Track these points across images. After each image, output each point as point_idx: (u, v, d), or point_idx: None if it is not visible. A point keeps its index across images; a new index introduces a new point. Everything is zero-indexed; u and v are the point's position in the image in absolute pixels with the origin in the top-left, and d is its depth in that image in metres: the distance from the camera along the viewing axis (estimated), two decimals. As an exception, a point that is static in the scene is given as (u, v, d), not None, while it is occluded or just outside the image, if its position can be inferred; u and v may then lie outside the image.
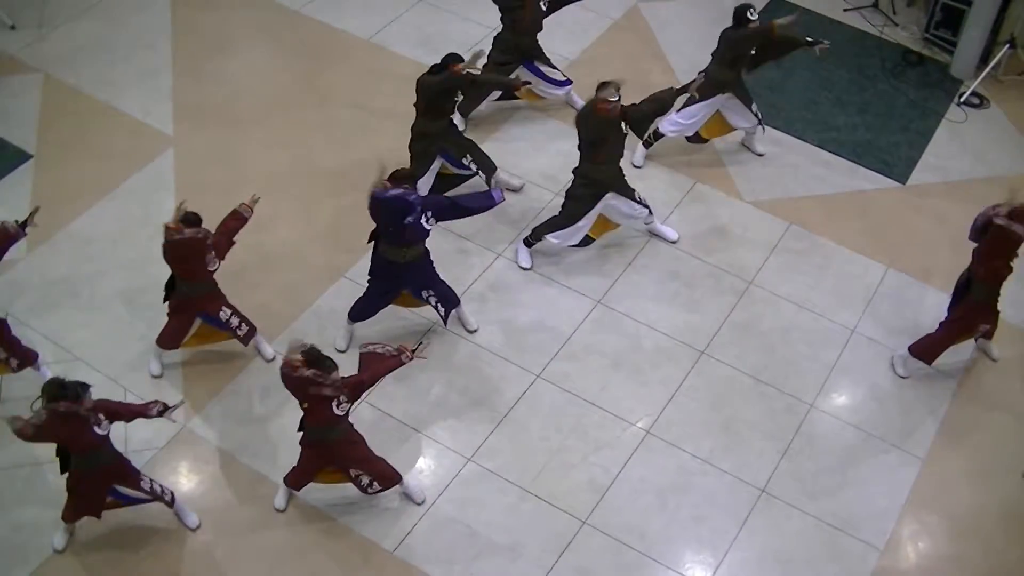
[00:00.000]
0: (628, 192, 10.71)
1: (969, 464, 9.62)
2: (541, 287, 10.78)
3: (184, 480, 9.24)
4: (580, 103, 12.29)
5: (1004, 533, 9.18)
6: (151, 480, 8.69)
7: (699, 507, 9.24)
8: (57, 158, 11.81)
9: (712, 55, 11.48)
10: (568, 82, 12.32)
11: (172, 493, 8.84)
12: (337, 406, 8.35)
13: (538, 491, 9.27)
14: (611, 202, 10.69)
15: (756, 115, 11.73)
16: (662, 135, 11.77)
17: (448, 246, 10.91)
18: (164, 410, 8.45)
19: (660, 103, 10.48)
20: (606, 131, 10.26)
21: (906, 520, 9.23)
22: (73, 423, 8.02)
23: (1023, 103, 13.12)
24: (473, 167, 11.19)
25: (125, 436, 9.29)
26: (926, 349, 10.07)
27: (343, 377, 8.35)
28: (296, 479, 8.91)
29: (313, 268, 10.77)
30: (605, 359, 10.23)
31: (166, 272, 10.09)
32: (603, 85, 10.13)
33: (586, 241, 10.91)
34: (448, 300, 10.10)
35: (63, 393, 7.92)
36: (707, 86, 11.27)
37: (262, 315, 10.07)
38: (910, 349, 10.14)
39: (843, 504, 9.29)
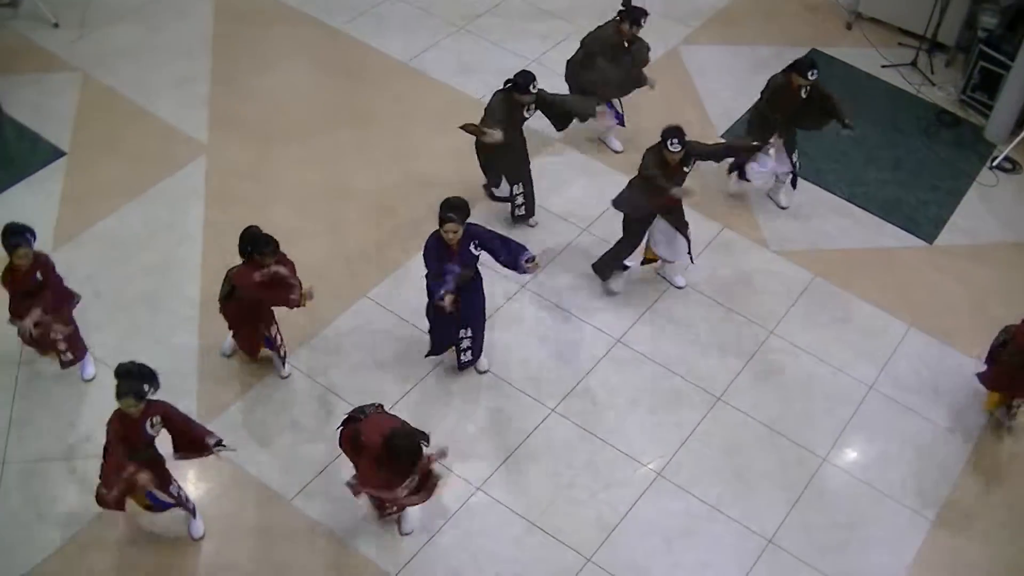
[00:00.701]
0: (679, 224, 10.69)
1: (979, 527, 9.55)
2: (562, 322, 10.78)
3: (192, 488, 9.22)
4: (617, 145, 12.34)
5: (1009, 602, 9.15)
6: (179, 486, 8.69)
7: (705, 553, 9.19)
8: (90, 157, 11.88)
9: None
10: (622, 119, 12.35)
11: (194, 504, 8.87)
12: None
13: (545, 525, 9.24)
14: (659, 225, 10.68)
15: (794, 163, 11.75)
16: (747, 180, 11.91)
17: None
18: (218, 443, 8.40)
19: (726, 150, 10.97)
20: (665, 171, 10.28)
21: (912, 581, 9.21)
22: (127, 420, 8.01)
23: (1056, 171, 13.14)
24: (519, 199, 11.20)
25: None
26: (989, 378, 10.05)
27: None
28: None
29: (336, 287, 10.77)
30: (621, 398, 10.21)
31: (189, 278, 10.17)
32: (668, 131, 10.11)
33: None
34: (479, 349, 10.10)
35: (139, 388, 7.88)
36: (758, 129, 11.36)
37: (282, 330, 10.08)
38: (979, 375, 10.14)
39: (849, 560, 9.23)
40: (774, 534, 9.34)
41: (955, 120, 13.69)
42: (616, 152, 12.45)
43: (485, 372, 10.29)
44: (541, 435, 9.86)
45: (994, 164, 13.05)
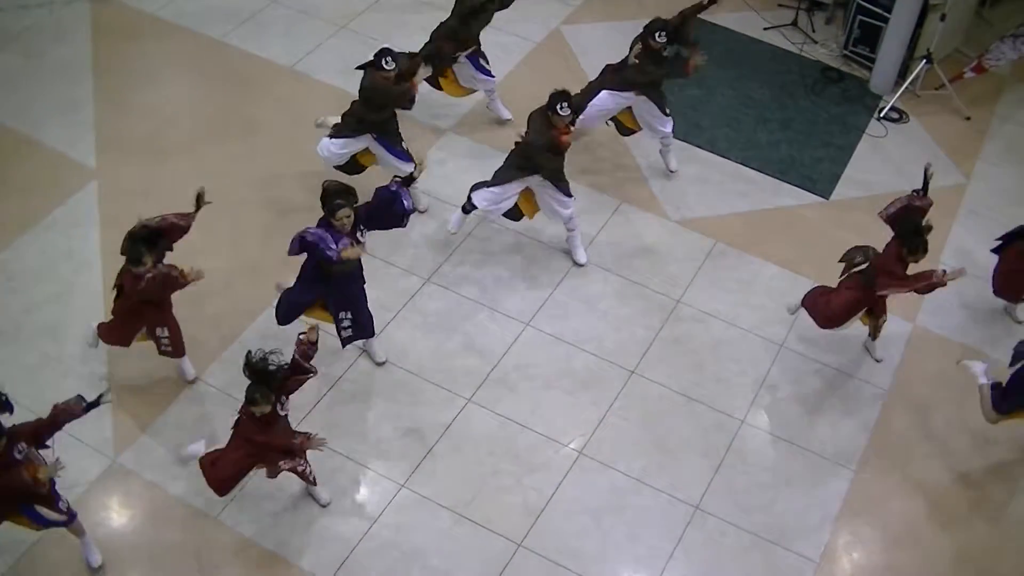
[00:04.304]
0: (561, 184, 10.71)
1: (900, 473, 9.72)
2: (470, 311, 10.78)
3: (115, 516, 9.12)
4: (505, 113, 12.37)
5: (937, 541, 9.30)
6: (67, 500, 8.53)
7: (634, 526, 9.26)
8: (-23, 194, 11.67)
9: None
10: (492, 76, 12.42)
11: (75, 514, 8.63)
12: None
13: (473, 515, 9.25)
14: (539, 185, 10.74)
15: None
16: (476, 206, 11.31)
17: (375, 271, 10.87)
18: (92, 404, 8.44)
19: None
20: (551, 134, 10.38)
21: (840, 532, 9.31)
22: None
23: (941, 117, 13.34)
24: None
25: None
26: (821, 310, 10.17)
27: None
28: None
29: (241, 298, 10.68)
30: (536, 381, 10.24)
31: (91, 304, 10.05)
32: (557, 95, 10.31)
33: (516, 215, 11.02)
34: (364, 330, 9.96)
35: None
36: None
37: (192, 347, 9.97)
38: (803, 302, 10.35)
39: (777, 518, 9.35)
40: (700, 500, 9.43)
41: (840, 75, 13.87)
42: (505, 119, 12.51)
43: (383, 363, 10.27)
44: (460, 426, 9.86)
45: (881, 115, 13.25)
